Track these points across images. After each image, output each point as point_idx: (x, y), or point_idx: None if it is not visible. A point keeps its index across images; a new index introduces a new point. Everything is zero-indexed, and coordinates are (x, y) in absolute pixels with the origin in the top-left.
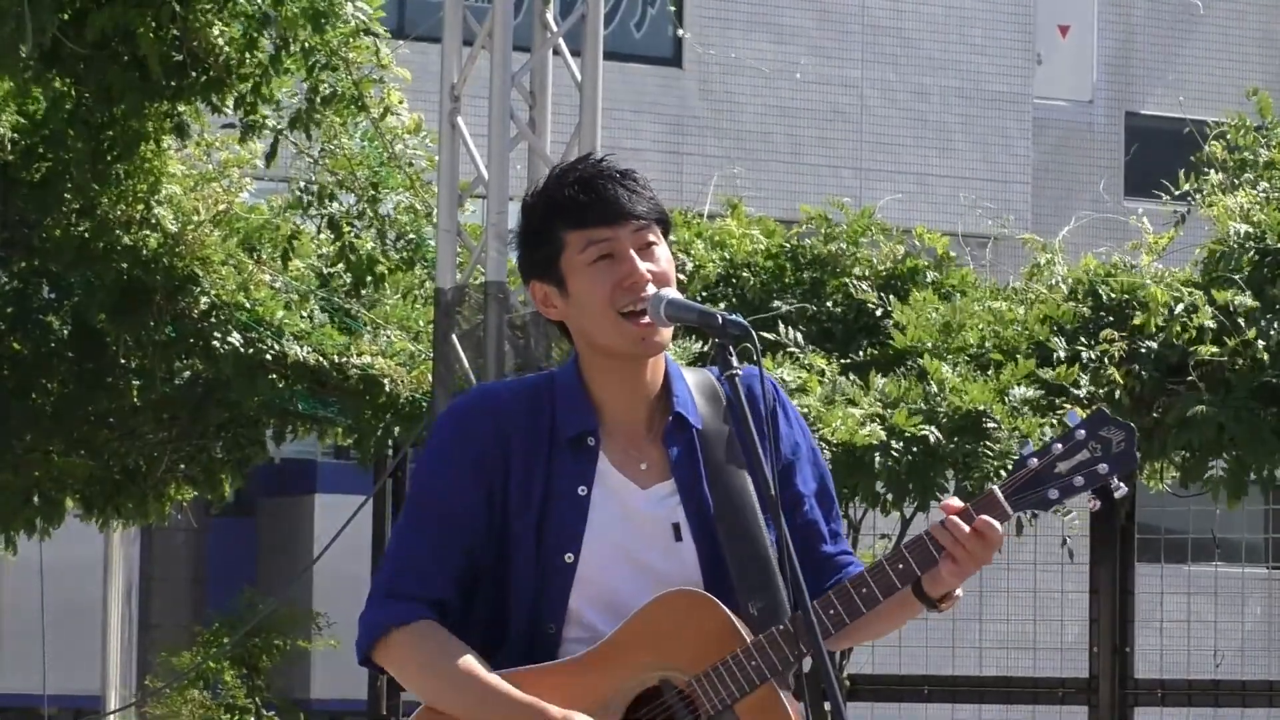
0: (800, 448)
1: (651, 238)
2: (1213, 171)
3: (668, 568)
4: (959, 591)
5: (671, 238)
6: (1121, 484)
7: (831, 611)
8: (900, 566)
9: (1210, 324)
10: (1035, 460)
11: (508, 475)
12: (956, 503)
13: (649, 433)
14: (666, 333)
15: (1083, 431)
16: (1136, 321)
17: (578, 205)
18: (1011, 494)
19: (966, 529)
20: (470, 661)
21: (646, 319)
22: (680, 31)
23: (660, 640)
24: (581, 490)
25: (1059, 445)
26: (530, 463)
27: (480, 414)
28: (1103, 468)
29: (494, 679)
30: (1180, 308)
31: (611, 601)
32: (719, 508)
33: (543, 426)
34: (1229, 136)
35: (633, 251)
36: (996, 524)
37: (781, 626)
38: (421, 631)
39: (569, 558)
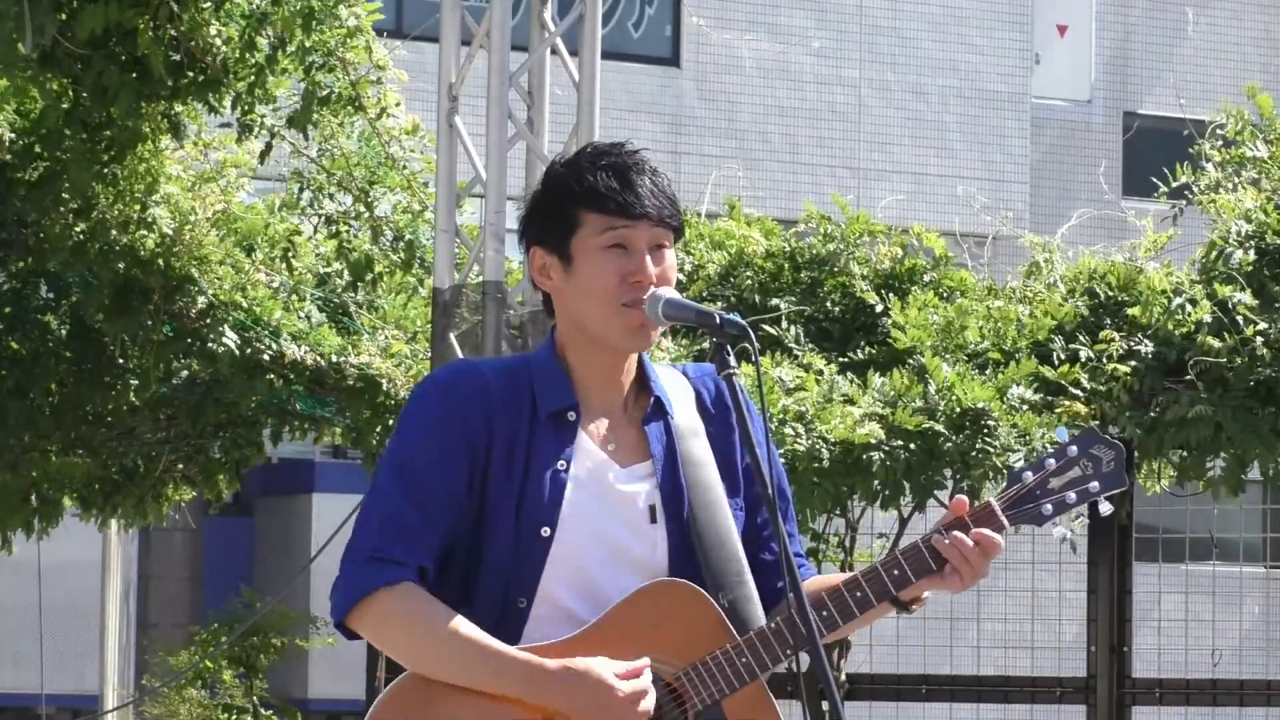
0: (760, 449)
1: (664, 241)
2: (1210, 167)
3: (640, 549)
4: (927, 594)
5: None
6: (1109, 504)
7: (824, 613)
8: (895, 573)
9: (1208, 318)
10: (1030, 474)
11: (491, 449)
12: (963, 503)
13: (625, 414)
14: (656, 331)
15: (1074, 448)
16: (1132, 312)
17: (607, 189)
18: (1008, 508)
19: (971, 543)
20: (459, 620)
21: (642, 315)
22: (695, 19)
23: (648, 630)
24: (561, 465)
25: (1052, 460)
26: (512, 438)
27: (466, 386)
28: (1094, 485)
29: (485, 636)
30: (1179, 301)
31: (583, 580)
32: (692, 498)
33: (523, 402)
34: (1226, 132)
35: (645, 249)
36: (997, 537)
37: (772, 625)
38: (406, 592)
39: (546, 532)
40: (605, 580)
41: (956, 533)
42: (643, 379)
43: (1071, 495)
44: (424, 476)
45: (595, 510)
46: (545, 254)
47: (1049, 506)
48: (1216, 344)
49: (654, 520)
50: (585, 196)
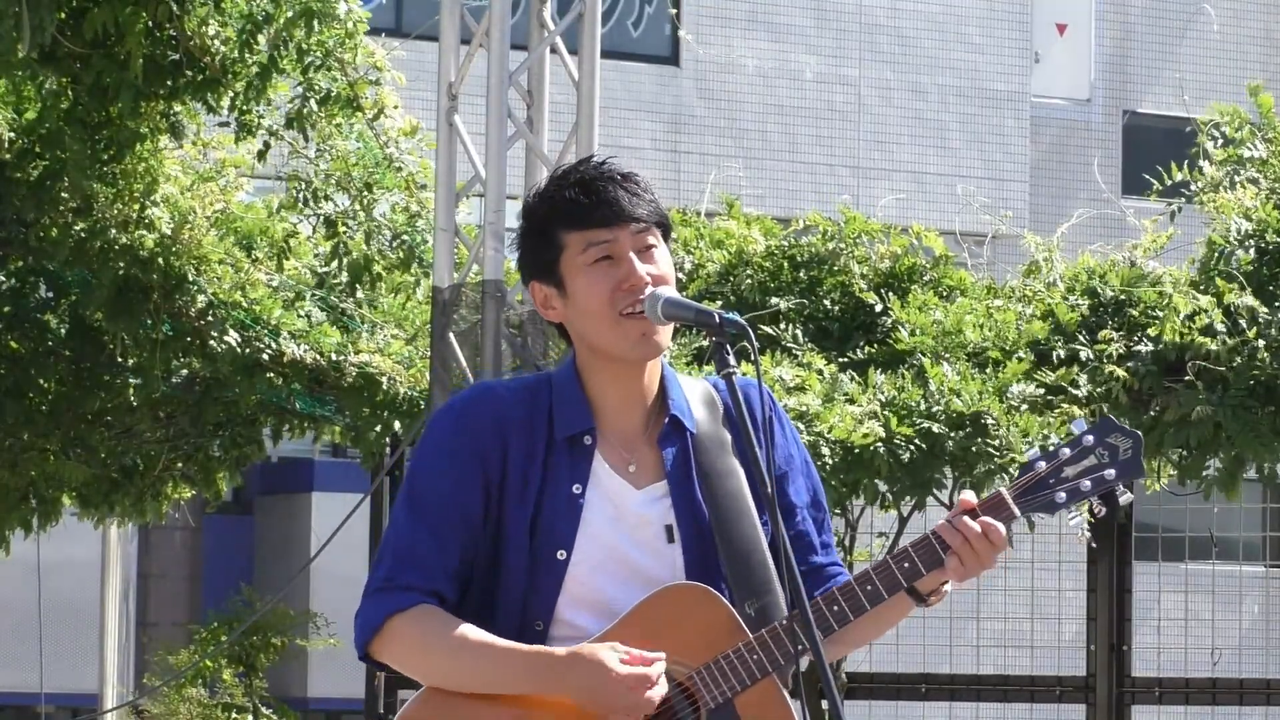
0: (794, 459)
1: (651, 240)
2: (1207, 165)
3: (658, 570)
4: (947, 586)
5: (673, 237)
6: (1127, 490)
7: (836, 607)
8: (906, 565)
9: (1220, 325)
10: (1043, 463)
11: (505, 471)
12: (971, 498)
13: (644, 435)
14: (665, 334)
15: (1090, 437)
16: (1151, 332)
17: (578, 207)
18: (1019, 496)
19: (978, 529)
20: (467, 628)
21: (645, 321)
22: (682, 33)
23: (660, 632)
24: (576, 489)
25: (1066, 450)
26: (527, 460)
27: (480, 410)
28: (1110, 473)
29: (493, 639)
30: (1186, 313)
31: (600, 601)
32: (713, 511)
33: (540, 424)
34: (1225, 129)
35: (632, 254)
36: (1000, 526)
37: (784, 621)
38: (419, 614)
39: (561, 555)
40: (623, 601)
41: (963, 518)
42: (663, 396)
43: (1086, 483)
44: (437, 504)
45: (611, 533)
46: (542, 286)
47: (1062, 494)
48: (1215, 346)
49: (671, 540)
50: (560, 218)
